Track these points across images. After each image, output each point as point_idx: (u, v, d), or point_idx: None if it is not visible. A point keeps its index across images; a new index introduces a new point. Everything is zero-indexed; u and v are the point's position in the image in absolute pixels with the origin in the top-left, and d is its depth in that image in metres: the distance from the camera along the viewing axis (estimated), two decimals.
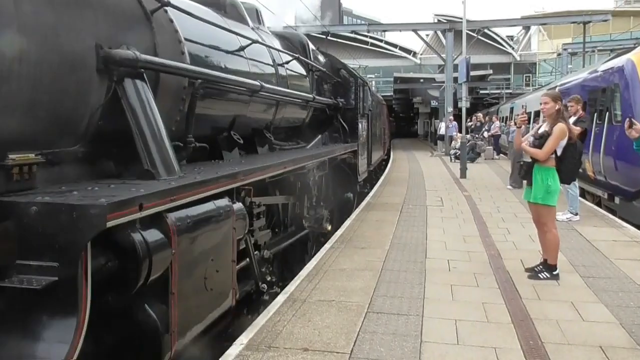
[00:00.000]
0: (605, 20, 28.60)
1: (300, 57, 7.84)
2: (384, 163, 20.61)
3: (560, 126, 5.02)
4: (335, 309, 4.44)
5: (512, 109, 23.81)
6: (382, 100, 22.71)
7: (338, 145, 9.05)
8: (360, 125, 10.23)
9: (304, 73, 8.06)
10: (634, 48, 9.60)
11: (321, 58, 9.75)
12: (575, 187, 8.07)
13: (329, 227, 8.25)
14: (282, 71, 6.79)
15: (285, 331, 3.98)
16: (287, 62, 7.11)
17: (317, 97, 8.13)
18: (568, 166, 5.14)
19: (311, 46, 8.96)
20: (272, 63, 6.50)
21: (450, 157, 19.91)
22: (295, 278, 5.36)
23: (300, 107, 7.68)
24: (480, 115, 24.85)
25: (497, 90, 40.57)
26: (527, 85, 43.90)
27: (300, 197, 7.02)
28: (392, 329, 4.00)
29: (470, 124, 22.06)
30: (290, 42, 8.23)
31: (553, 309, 4.39)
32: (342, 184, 9.69)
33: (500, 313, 4.33)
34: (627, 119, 3.66)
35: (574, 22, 29.27)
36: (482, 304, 4.54)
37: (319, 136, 8.71)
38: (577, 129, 7.17)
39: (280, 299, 4.69)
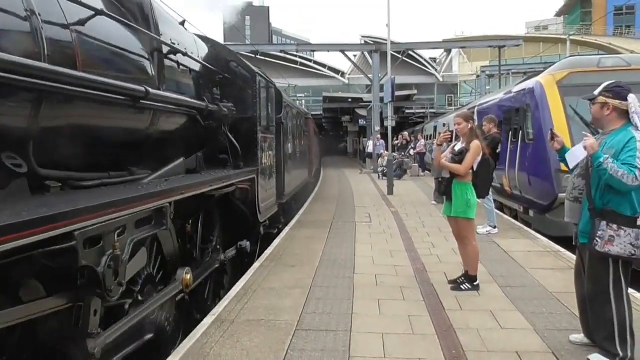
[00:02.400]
0: (518, 45, 30.61)
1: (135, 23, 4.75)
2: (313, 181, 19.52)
3: (475, 143, 5.31)
4: (264, 327, 4.40)
5: (435, 128, 24.80)
6: (306, 113, 20.01)
7: (215, 174, 5.88)
8: (261, 141, 7.65)
9: (139, 52, 4.76)
10: (542, 71, 10.29)
11: (200, 43, 7.01)
12: (490, 200, 8.51)
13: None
14: (61, 34, 3.56)
15: (212, 353, 3.91)
16: (84, 21, 3.80)
17: (166, 94, 4.96)
18: (482, 181, 5.47)
19: (165, 15, 5.85)
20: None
21: (378, 174, 20.39)
22: (224, 298, 5.27)
23: (125, 110, 4.30)
24: (405, 133, 25.71)
25: (421, 110, 42.12)
26: (450, 104, 45.93)
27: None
28: (320, 345, 4.02)
29: (396, 142, 22.78)
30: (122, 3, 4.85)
31: (474, 318, 4.58)
32: (229, 229, 6.90)
33: (424, 324, 4.46)
34: (549, 131, 3.93)
35: (490, 46, 31.01)
36: (408, 316, 4.66)
37: (181, 159, 5.52)
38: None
39: (207, 320, 4.60)
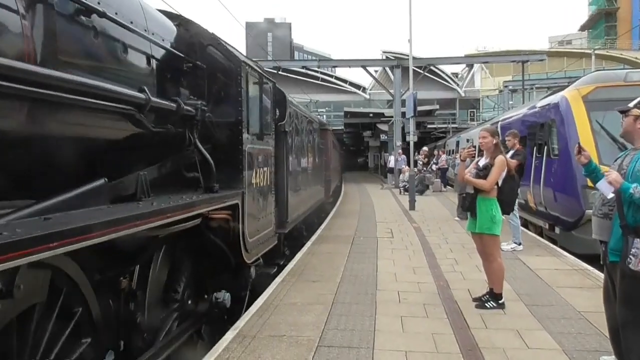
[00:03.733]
0: (542, 60, 30.35)
1: None
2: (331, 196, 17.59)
3: (500, 158, 5.25)
4: (285, 344, 4.37)
5: (458, 143, 24.62)
6: (324, 124, 17.32)
7: (164, 202, 3.98)
8: (251, 155, 5.80)
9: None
10: (567, 86, 10.17)
11: (162, 19, 5.16)
12: (516, 217, 8.38)
13: None
14: None
15: None
16: None
17: (50, 72, 2.89)
18: (507, 197, 5.39)
19: None
20: None
21: (400, 190, 20.28)
22: (245, 314, 5.26)
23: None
24: (425, 149, 25.55)
25: (443, 125, 41.93)
26: (472, 120, 45.61)
27: None
28: None
29: (417, 157, 22.56)
30: None
31: (500, 338, 4.48)
32: (208, 275, 5.42)
33: (449, 343, 4.38)
34: (577, 145, 3.85)
35: (513, 62, 30.81)
36: (432, 334, 4.59)
37: (100, 182, 3.55)
38: (513, 162, 7.54)
39: (229, 335, 4.59)
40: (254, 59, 7.20)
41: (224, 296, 5.29)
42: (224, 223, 5.13)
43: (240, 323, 4.92)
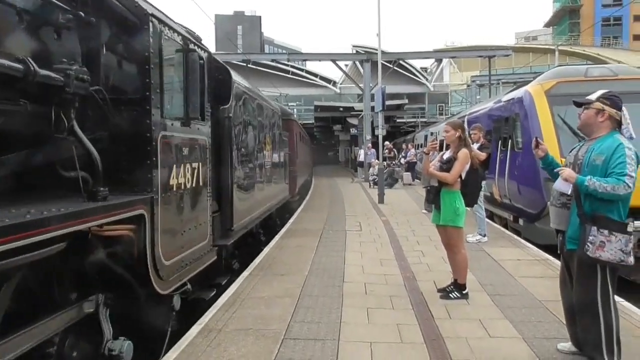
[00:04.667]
0: (507, 55, 30.88)
1: None
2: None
3: (464, 151, 5.33)
4: (252, 337, 4.37)
5: (426, 137, 24.90)
6: (288, 114, 16.03)
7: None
8: (168, 148, 4.43)
9: None
10: (531, 81, 10.37)
11: None
12: (481, 209, 8.54)
13: None
14: None
15: None
16: None
17: None
18: (471, 189, 5.48)
19: None
20: None
21: (370, 183, 20.42)
22: (211, 307, 5.22)
23: None
24: (388, 143, 25.61)
25: (413, 119, 42.32)
26: (441, 114, 46.17)
27: None
28: (308, 355, 3.99)
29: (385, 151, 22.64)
30: None
31: (463, 327, 4.57)
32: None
33: (414, 333, 4.45)
34: (534, 139, 3.95)
35: (480, 56, 31.32)
36: (397, 325, 4.64)
37: None
38: (482, 155, 7.67)
39: (194, 330, 4.56)
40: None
41: (122, 347, 3.70)
42: (124, 243, 3.82)
43: (205, 318, 4.89)
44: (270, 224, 10.85)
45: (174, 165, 4.52)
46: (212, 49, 9.15)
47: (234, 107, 6.79)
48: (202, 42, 5.71)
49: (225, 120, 6.52)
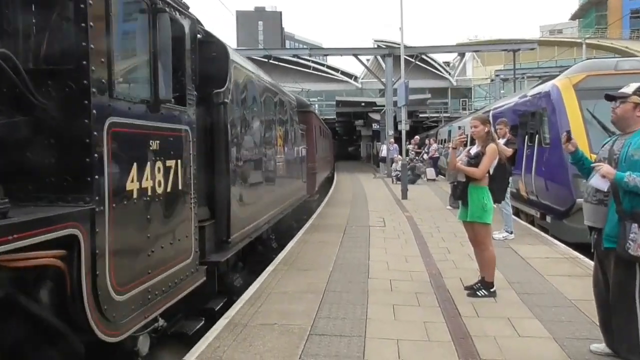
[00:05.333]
0: (532, 49, 30.42)
1: None
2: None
3: (492, 146, 5.23)
4: (277, 332, 4.36)
5: (449, 132, 24.64)
6: (306, 105, 14.56)
7: None
8: (118, 136, 3.25)
9: None
10: (558, 75, 10.15)
11: None
12: (508, 205, 8.40)
13: None
14: None
15: (225, 357, 3.87)
16: None
17: None
18: (499, 185, 5.40)
19: None
20: None
21: (392, 179, 20.29)
22: (237, 302, 5.23)
23: None
24: (417, 138, 25.46)
25: (435, 114, 41.95)
26: (464, 109, 45.69)
27: None
28: (334, 351, 3.96)
29: (409, 146, 22.44)
30: None
31: (491, 326, 4.49)
32: None
33: (441, 331, 4.38)
34: (565, 133, 3.84)
35: (504, 50, 30.81)
36: (424, 323, 4.58)
37: None
38: (508, 150, 7.54)
39: (221, 323, 4.57)
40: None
41: None
42: (46, 276, 2.81)
43: (231, 312, 4.90)
44: (284, 228, 9.70)
45: (134, 165, 3.40)
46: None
47: (232, 92, 5.65)
48: (189, 10, 4.54)
49: (219, 108, 5.34)
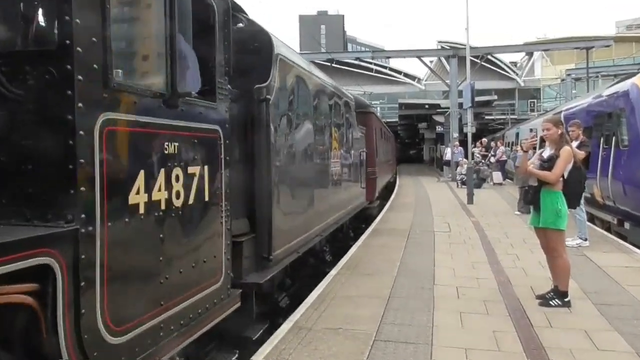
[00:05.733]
0: (608, 46, 28.86)
1: None
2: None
3: (567, 149, 5.00)
4: (342, 337, 4.34)
5: (517, 134, 23.80)
6: (364, 104, 13.86)
7: None
8: (115, 135, 2.60)
9: None
10: (637, 73, 9.59)
11: None
12: (582, 211, 7.99)
13: None
14: None
15: (291, 359, 3.90)
16: None
17: None
18: (574, 190, 5.13)
19: None
20: None
21: (457, 183, 19.84)
22: (301, 306, 5.27)
23: None
24: (484, 140, 24.75)
25: (502, 116, 40.67)
26: (532, 110, 44.02)
27: None
28: (400, 358, 3.90)
29: (475, 149, 21.70)
30: None
31: (566, 338, 4.27)
32: None
33: (511, 342, 4.22)
34: None
35: (576, 48, 29.49)
36: (493, 332, 4.43)
37: None
38: (581, 154, 7.18)
39: (285, 327, 4.61)
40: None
41: None
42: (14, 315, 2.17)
43: (296, 315, 4.93)
44: (340, 238, 9.14)
45: (141, 172, 2.73)
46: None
47: (277, 88, 4.96)
48: None
49: (261, 105, 4.65)
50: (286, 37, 5.85)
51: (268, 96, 4.68)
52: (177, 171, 3.09)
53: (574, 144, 7.40)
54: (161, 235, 2.93)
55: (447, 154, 24.38)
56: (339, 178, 8.18)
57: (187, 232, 3.25)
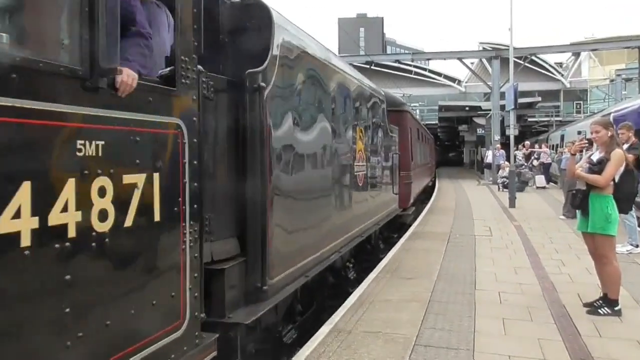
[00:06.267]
0: None
1: None
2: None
3: (618, 152, 4.81)
4: (381, 340, 4.29)
5: (562, 137, 23.13)
6: (398, 102, 12.46)
7: None
8: None
9: None
10: None
11: None
12: (632, 217, 7.68)
13: None
14: None
15: None
16: None
17: None
18: (626, 194, 4.92)
19: None
20: None
21: (498, 186, 19.42)
22: (340, 308, 5.24)
23: None
24: (528, 143, 24.17)
25: (545, 118, 39.61)
26: (578, 112, 42.71)
27: None
28: None
29: (518, 152, 21.12)
30: None
31: (616, 348, 4.10)
32: None
33: (558, 350, 4.07)
34: None
35: (627, 47, 28.42)
36: (538, 339, 4.29)
37: None
38: (630, 156, 6.89)
39: (325, 329, 4.59)
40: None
41: None
42: None
43: (335, 318, 4.91)
44: (369, 250, 8.13)
45: (21, 185, 1.84)
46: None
47: (277, 76, 3.97)
48: None
49: (254, 95, 3.66)
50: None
51: (262, 83, 3.69)
52: (101, 181, 2.18)
53: (624, 147, 7.13)
54: (67, 277, 2.01)
55: (488, 156, 23.91)
56: (364, 184, 7.11)
57: (119, 267, 2.31)
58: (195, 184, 2.85)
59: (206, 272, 3.08)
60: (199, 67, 3.00)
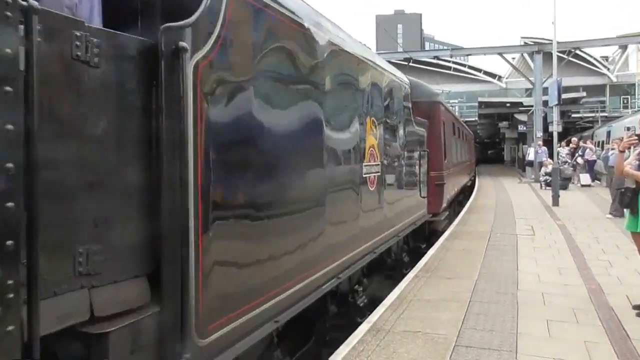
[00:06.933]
0: None
1: None
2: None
3: None
4: (421, 340, 4.25)
5: (609, 133, 22.34)
6: (431, 92, 10.75)
7: None
8: None
9: None
10: None
11: None
12: None
13: None
14: None
15: None
16: None
17: None
18: None
19: None
20: None
21: (540, 184, 18.92)
22: (379, 307, 5.21)
23: None
24: (575, 139, 23.45)
25: (590, 114, 38.34)
26: (625, 107, 41.16)
27: None
28: None
29: (562, 149, 20.40)
30: None
31: None
32: None
33: (606, 354, 3.94)
34: None
35: None
36: (584, 342, 4.16)
37: None
38: None
39: (364, 328, 4.57)
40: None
41: None
42: None
43: (374, 317, 4.88)
44: (390, 265, 7.14)
45: None
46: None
47: (218, 34, 2.64)
48: None
49: (172, 62, 2.34)
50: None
51: (184, 43, 2.36)
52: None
53: None
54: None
55: (530, 153, 23.32)
56: (377, 188, 5.73)
57: None
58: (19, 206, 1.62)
59: (79, 339, 1.99)
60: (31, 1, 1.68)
